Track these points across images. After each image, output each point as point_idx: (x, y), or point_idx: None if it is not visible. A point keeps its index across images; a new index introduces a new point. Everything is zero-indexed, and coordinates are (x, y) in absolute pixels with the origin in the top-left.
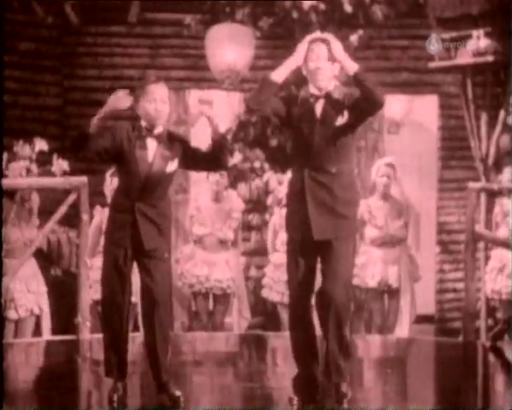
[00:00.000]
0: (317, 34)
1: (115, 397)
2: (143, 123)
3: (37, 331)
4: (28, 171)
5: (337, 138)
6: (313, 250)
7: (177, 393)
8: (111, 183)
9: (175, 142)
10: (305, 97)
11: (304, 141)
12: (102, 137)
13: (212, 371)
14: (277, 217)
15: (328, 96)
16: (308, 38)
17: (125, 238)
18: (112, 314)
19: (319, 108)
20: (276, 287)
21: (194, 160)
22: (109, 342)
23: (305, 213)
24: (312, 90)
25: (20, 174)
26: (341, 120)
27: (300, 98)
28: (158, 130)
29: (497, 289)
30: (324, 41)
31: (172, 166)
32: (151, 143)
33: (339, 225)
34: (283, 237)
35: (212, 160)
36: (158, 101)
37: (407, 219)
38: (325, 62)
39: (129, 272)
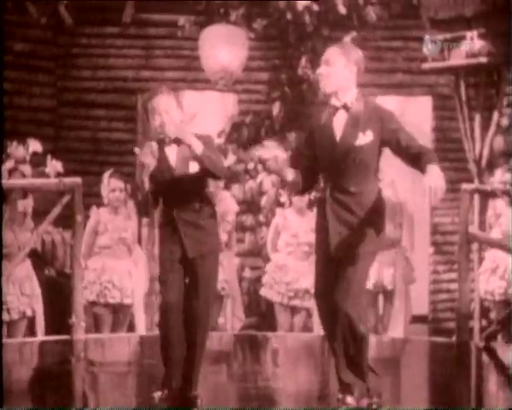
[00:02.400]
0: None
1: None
2: (158, 135)
3: (31, 333)
4: (15, 170)
5: (357, 157)
6: (334, 264)
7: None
8: (108, 184)
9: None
10: (327, 112)
11: (325, 159)
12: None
13: (205, 371)
14: (280, 218)
15: (347, 109)
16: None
17: (172, 247)
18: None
19: (339, 122)
20: (277, 287)
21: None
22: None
23: (327, 230)
24: (333, 101)
25: (9, 175)
26: (363, 138)
27: (324, 114)
28: (173, 136)
29: (489, 290)
30: (338, 44)
31: (193, 167)
32: (171, 150)
33: (357, 243)
34: (285, 238)
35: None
36: (163, 113)
37: (401, 220)
38: (328, 68)
39: (181, 279)
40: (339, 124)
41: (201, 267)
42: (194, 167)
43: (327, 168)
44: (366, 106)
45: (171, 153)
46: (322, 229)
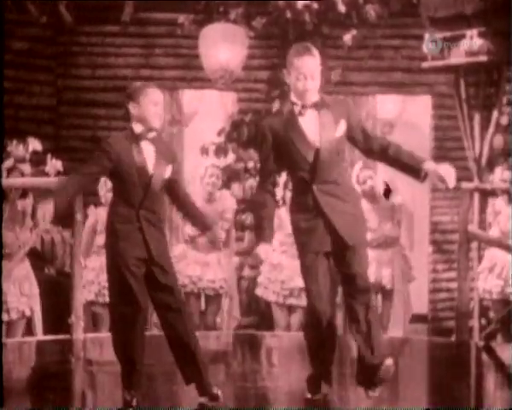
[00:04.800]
0: (299, 46)
1: None
2: (137, 127)
3: (31, 332)
4: (14, 169)
5: (339, 149)
6: (331, 258)
7: (216, 391)
8: (105, 183)
9: (167, 149)
10: (287, 115)
11: (303, 159)
12: (96, 163)
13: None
14: (274, 218)
15: (317, 107)
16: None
17: (132, 248)
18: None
19: (310, 120)
20: (272, 287)
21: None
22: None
23: (327, 225)
24: (301, 101)
25: (8, 174)
26: (340, 129)
27: (284, 118)
28: (152, 134)
29: (487, 289)
30: (308, 52)
31: (168, 171)
32: (147, 148)
33: (360, 226)
34: (280, 237)
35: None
36: (158, 104)
37: (400, 219)
38: (313, 81)
39: (139, 281)
40: (310, 122)
41: (167, 268)
42: (168, 172)
43: (309, 167)
44: (328, 98)
45: (149, 151)
46: (313, 227)
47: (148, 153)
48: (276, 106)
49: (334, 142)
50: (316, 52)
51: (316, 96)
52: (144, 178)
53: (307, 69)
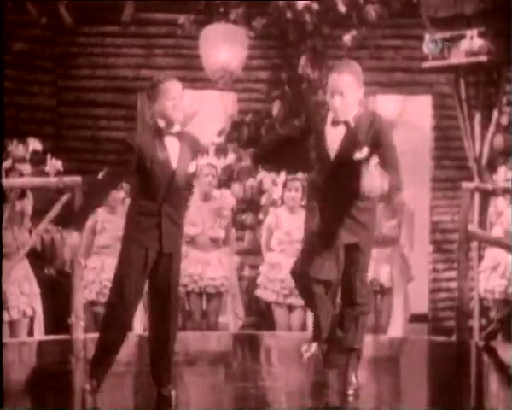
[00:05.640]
0: (339, 63)
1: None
2: (161, 123)
3: (31, 332)
4: (13, 169)
5: (354, 166)
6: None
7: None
8: None
9: (194, 143)
10: (323, 117)
11: (319, 161)
12: (121, 164)
13: (204, 371)
14: (273, 217)
15: (347, 126)
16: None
17: (149, 240)
18: (121, 315)
19: (336, 134)
20: (272, 286)
21: None
22: (110, 343)
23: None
24: (335, 115)
25: (7, 174)
26: (359, 154)
27: (321, 116)
28: (176, 128)
29: (490, 289)
30: (339, 69)
31: (193, 166)
32: (172, 143)
33: (360, 232)
34: (278, 236)
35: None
36: (176, 98)
37: (400, 219)
38: (343, 99)
39: (145, 274)
40: (335, 136)
41: (175, 262)
42: (192, 167)
43: (323, 172)
44: (365, 121)
45: (173, 146)
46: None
47: (172, 148)
48: (276, 106)
49: (350, 162)
50: (352, 69)
51: (347, 115)
52: (167, 174)
53: (335, 86)
